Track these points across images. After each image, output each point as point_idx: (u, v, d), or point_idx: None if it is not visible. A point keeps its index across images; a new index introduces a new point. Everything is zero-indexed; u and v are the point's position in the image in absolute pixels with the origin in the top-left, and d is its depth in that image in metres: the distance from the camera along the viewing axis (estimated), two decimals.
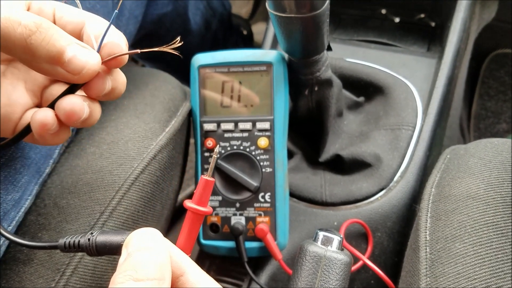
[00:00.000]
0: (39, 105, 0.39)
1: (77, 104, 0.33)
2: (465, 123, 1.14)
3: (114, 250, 0.32)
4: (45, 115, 0.33)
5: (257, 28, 1.24)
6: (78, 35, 0.35)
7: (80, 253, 0.45)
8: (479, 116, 1.16)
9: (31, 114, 0.36)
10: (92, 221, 0.47)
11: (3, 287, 0.44)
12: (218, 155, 0.35)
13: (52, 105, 0.35)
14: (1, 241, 0.45)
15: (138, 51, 0.33)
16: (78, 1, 0.34)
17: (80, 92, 0.35)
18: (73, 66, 0.31)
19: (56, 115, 0.34)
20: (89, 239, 0.33)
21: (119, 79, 0.36)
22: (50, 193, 0.49)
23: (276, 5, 0.45)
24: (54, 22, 0.35)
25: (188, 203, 0.33)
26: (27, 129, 0.35)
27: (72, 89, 0.34)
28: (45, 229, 0.46)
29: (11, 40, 0.29)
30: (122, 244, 0.30)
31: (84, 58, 0.31)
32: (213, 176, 0.33)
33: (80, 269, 0.45)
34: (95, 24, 0.35)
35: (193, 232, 0.33)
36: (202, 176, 0.33)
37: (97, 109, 0.36)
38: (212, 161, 0.34)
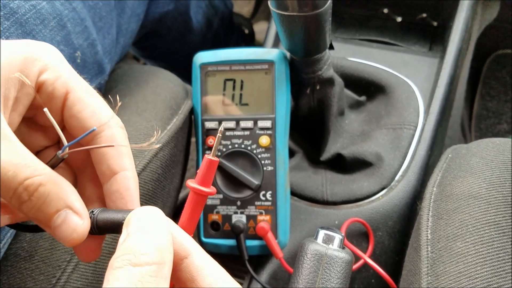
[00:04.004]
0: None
1: None
2: (467, 123, 1.14)
3: (115, 228, 0.31)
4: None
5: (259, 27, 1.24)
6: (82, 131, 0.33)
7: None
8: (480, 116, 1.16)
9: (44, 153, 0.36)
10: None
11: (4, 283, 0.44)
12: (221, 137, 0.33)
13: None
14: (3, 243, 0.45)
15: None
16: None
17: None
18: (59, 233, 0.30)
19: None
20: (90, 218, 0.32)
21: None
22: None
23: (278, 4, 0.45)
24: (63, 108, 0.33)
25: (190, 183, 0.32)
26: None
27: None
28: None
29: (7, 201, 0.29)
30: (123, 223, 0.30)
31: (71, 227, 0.29)
32: (217, 156, 0.32)
33: (81, 265, 0.45)
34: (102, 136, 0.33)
35: (196, 213, 0.31)
36: (206, 155, 0.32)
37: None
38: (217, 140, 0.32)
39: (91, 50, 0.54)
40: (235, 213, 0.57)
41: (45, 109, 0.31)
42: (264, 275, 0.60)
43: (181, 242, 0.29)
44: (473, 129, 1.15)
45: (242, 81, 0.57)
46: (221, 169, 0.56)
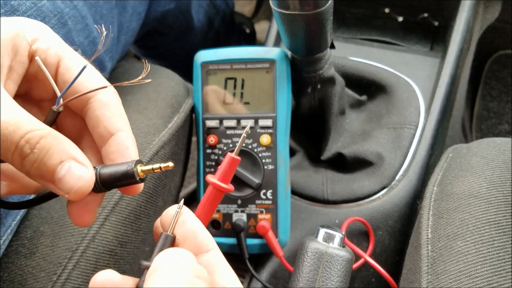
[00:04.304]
0: None
1: None
2: (467, 124, 1.14)
3: (120, 179, 0.31)
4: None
5: (260, 27, 1.24)
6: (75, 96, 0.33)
7: (82, 247, 0.45)
8: (481, 117, 1.16)
9: None
10: None
11: (5, 280, 0.45)
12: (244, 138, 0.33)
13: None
14: (3, 239, 0.45)
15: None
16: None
17: None
18: (62, 186, 0.29)
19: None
20: None
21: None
22: None
23: (280, 2, 0.45)
24: (56, 76, 0.33)
25: (210, 178, 0.32)
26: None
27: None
28: (47, 223, 0.47)
29: (9, 160, 0.29)
30: (128, 172, 0.30)
31: (75, 176, 0.29)
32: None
33: (82, 263, 0.45)
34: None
35: (212, 207, 0.32)
36: (229, 153, 0.32)
37: None
38: (241, 139, 0.33)
39: (92, 47, 0.54)
40: (236, 211, 0.57)
41: (37, 58, 0.32)
42: (265, 274, 0.60)
43: (204, 237, 0.30)
44: (474, 130, 1.15)
45: (243, 80, 0.57)
46: None
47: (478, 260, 0.40)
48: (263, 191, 0.56)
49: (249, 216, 0.57)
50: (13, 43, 0.31)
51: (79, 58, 0.34)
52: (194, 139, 0.62)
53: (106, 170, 0.31)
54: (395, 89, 0.68)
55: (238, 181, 0.56)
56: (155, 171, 0.31)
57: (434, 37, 0.78)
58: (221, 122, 0.57)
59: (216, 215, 0.58)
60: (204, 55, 0.58)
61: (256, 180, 0.56)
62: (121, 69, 0.66)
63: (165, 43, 0.88)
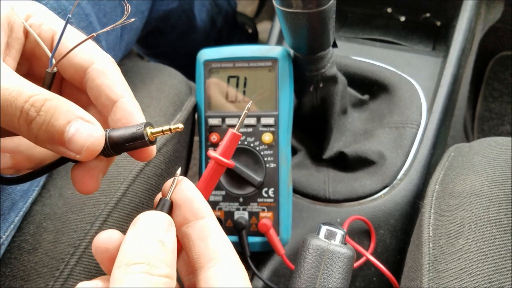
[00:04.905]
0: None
1: None
2: (469, 124, 1.14)
3: (128, 142, 0.31)
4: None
5: (262, 27, 1.24)
6: (73, 69, 0.33)
7: (84, 243, 0.46)
8: (483, 117, 1.16)
9: None
10: (97, 212, 0.47)
11: (8, 275, 0.45)
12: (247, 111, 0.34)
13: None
14: (6, 235, 0.46)
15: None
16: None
17: None
18: (73, 146, 0.29)
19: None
20: None
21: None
22: (56, 183, 0.49)
23: (282, 1, 0.45)
24: (51, 49, 0.33)
25: (212, 153, 0.33)
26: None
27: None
28: (50, 219, 0.47)
29: (15, 127, 0.29)
30: (138, 133, 0.30)
31: (86, 133, 0.29)
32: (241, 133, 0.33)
33: (84, 259, 0.45)
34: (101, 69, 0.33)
35: (213, 181, 0.33)
36: (230, 129, 0.33)
37: None
38: (243, 116, 0.33)
39: None
40: (238, 209, 0.57)
41: (22, 20, 0.32)
42: (266, 272, 0.60)
43: (200, 205, 0.30)
44: (476, 131, 1.15)
45: (245, 78, 0.57)
46: None
47: (479, 258, 0.40)
48: (265, 189, 0.57)
49: (251, 214, 0.57)
50: (8, 20, 0.31)
51: (75, 31, 0.34)
52: (196, 138, 0.62)
53: (115, 132, 0.31)
54: (397, 88, 0.68)
55: (240, 179, 0.56)
56: (164, 132, 0.31)
57: (436, 37, 0.78)
58: (223, 120, 0.57)
59: (218, 213, 0.58)
60: (206, 53, 0.58)
61: (258, 178, 0.56)
62: (124, 67, 0.66)
63: (167, 42, 0.89)
